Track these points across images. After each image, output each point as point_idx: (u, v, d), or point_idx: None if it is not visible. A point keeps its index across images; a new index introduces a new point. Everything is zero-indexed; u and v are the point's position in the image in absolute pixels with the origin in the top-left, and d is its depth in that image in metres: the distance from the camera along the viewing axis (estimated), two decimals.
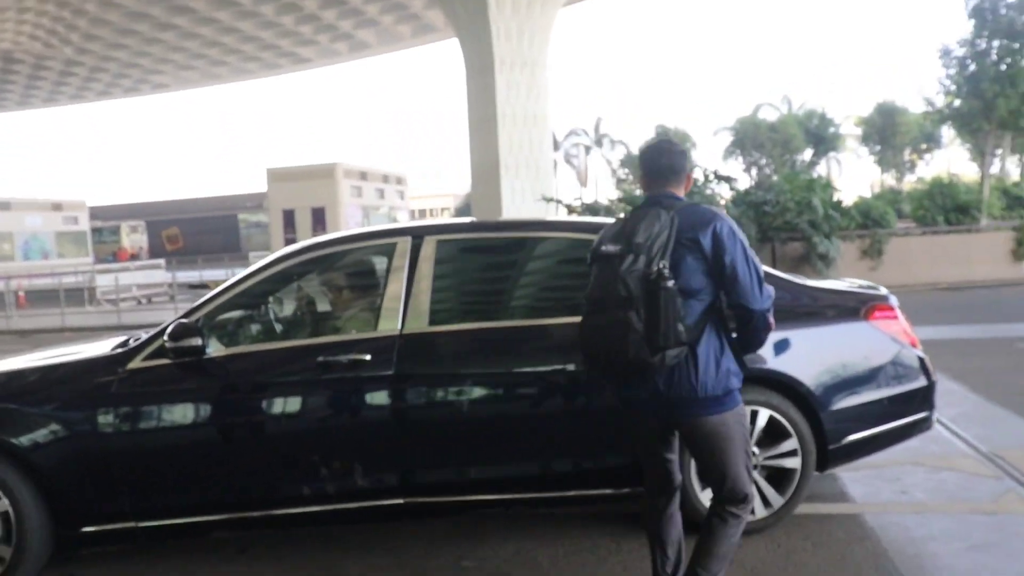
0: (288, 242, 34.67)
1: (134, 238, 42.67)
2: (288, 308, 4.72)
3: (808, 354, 4.16)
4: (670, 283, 2.82)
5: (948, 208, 19.19)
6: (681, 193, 3.17)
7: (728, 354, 3.02)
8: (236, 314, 4.28)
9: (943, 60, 21.96)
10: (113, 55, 42.06)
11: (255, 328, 4.44)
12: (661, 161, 3.16)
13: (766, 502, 4.10)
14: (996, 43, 20.93)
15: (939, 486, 4.81)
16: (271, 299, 4.49)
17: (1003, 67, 20.67)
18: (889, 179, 58.67)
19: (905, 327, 4.38)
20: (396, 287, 3.98)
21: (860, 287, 4.67)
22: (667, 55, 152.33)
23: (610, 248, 2.97)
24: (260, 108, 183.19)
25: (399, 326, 3.92)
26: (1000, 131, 22.84)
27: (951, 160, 60.39)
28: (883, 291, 4.55)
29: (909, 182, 53.00)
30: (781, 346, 4.10)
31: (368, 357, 3.83)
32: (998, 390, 7.11)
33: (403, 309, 3.94)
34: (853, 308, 4.33)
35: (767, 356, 4.05)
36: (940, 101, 22.70)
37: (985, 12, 20.88)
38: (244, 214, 47.64)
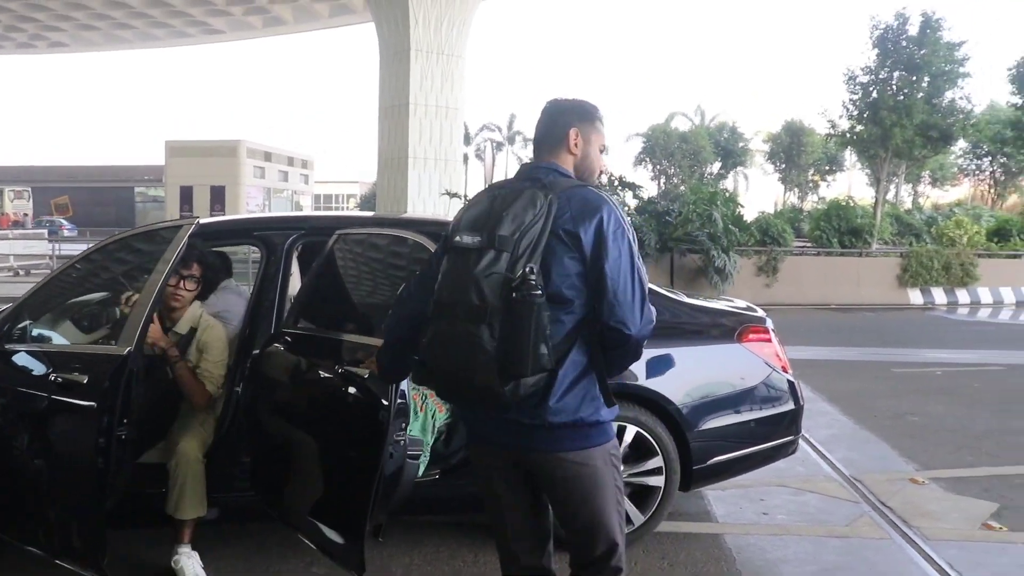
0: (184, 219, 33.30)
1: (19, 204, 40.41)
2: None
3: (679, 372, 4.10)
4: (538, 293, 2.17)
5: (843, 231, 19.83)
6: (566, 162, 2.46)
7: (596, 378, 2.38)
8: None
9: (848, 85, 22.69)
10: (5, 6, 39.73)
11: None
12: (541, 124, 2.51)
13: (627, 519, 4.02)
14: (896, 74, 21.73)
15: (800, 508, 4.83)
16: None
17: (901, 97, 21.47)
18: (793, 197, 60.52)
19: (778, 350, 4.36)
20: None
21: (736, 307, 4.64)
22: (586, 56, 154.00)
23: (466, 240, 2.30)
24: (166, 78, 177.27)
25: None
26: (895, 159, 23.71)
27: (852, 183, 62.81)
28: (759, 312, 4.52)
29: (811, 201, 54.81)
30: (653, 363, 4.03)
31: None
32: (869, 414, 7.30)
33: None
34: (728, 328, 4.28)
35: (638, 372, 3.98)
36: (843, 124, 23.43)
37: (888, 43, 21.65)
38: (141, 187, 45.77)
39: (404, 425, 2.85)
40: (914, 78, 21.37)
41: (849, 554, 4.14)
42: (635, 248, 2.33)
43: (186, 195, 28.48)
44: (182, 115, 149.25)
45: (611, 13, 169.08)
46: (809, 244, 21.12)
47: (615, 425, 3.40)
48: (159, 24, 42.85)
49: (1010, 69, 25.43)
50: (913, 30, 21.47)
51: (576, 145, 2.46)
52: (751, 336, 4.25)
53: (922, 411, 7.50)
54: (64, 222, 38.11)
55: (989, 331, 14.82)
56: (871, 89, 22.02)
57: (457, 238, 2.31)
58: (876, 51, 21.89)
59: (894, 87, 21.71)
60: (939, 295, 18.50)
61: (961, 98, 21.90)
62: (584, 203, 2.29)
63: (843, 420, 7.12)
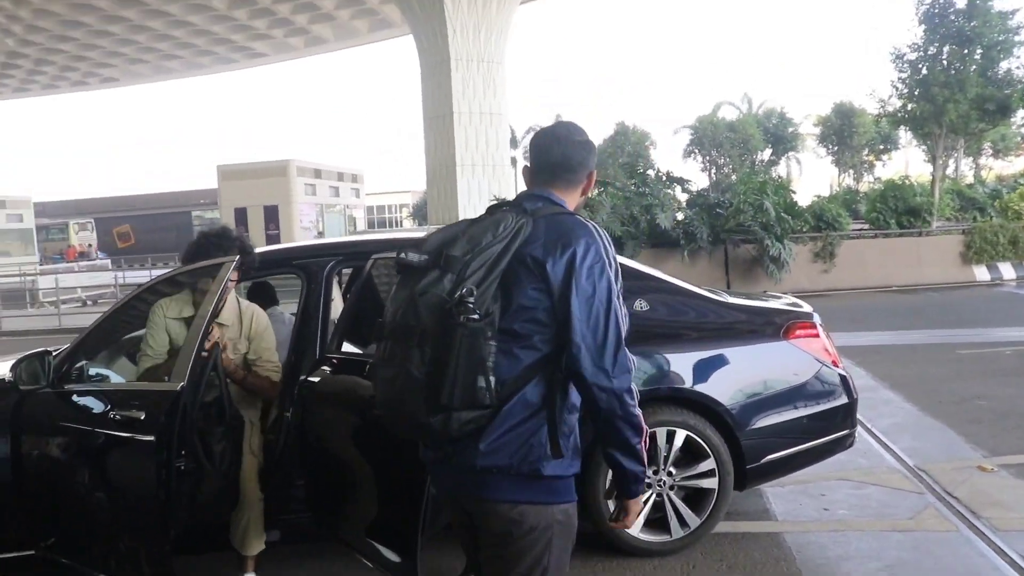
0: None
1: (83, 235, 41.64)
2: None
3: (726, 373, 4.08)
4: (474, 318, 1.96)
5: (900, 211, 19.32)
6: (571, 200, 2.27)
7: (558, 426, 2.09)
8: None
9: (896, 63, 22.13)
10: (59, 47, 40.98)
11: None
12: (553, 151, 2.26)
13: (683, 522, 4.00)
14: (946, 48, 21.12)
15: (862, 502, 4.73)
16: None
17: (952, 72, 20.86)
18: (848, 179, 59.30)
19: (826, 344, 4.27)
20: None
21: (782, 304, 4.57)
22: (628, 52, 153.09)
23: (411, 257, 2.11)
24: (214, 103, 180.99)
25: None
26: (951, 135, 23.06)
27: (908, 161, 61.31)
28: (806, 308, 4.45)
29: (867, 182, 53.63)
30: (699, 365, 4.04)
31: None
32: (934, 400, 7.11)
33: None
34: (773, 326, 4.22)
35: (685, 375, 3.97)
36: (893, 103, 22.85)
37: (935, 18, 21.06)
38: (198, 211, 46.78)
39: None
40: (965, 51, 20.70)
41: (914, 549, 4.04)
42: (615, 288, 2.10)
43: (240, 216, 28.99)
44: (232, 139, 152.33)
45: (652, 6, 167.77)
46: (867, 226, 20.65)
47: (665, 431, 3.56)
48: (204, 52, 43.87)
49: None
50: (961, 3, 20.85)
51: (588, 188, 2.33)
52: (798, 332, 4.18)
53: (990, 394, 7.26)
54: (98, 252, 39.77)
55: None
56: (920, 66, 21.42)
57: (403, 255, 2.13)
58: (923, 27, 21.30)
59: (944, 62, 21.09)
60: (1007, 270, 17.92)
61: (1018, 67, 21.18)
62: (560, 231, 2.09)
63: (906, 407, 6.94)
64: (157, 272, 26.12)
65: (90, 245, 41.84)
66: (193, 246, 3.84)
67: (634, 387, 2.09)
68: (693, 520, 3.99)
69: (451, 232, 2.15)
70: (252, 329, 3.87)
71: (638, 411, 2.09)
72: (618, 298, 2.10)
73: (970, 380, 7.88)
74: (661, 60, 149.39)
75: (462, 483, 2.15)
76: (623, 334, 2.09)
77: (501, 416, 2.03)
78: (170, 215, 46.51)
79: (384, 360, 2.12)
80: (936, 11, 21.01)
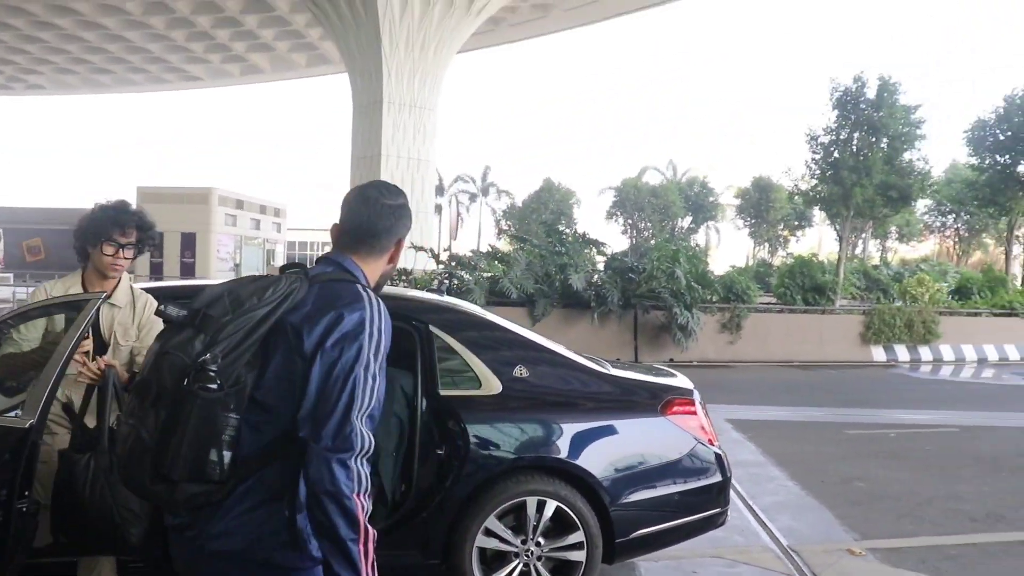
0: (154, 266, 33.53)
1: None
2: None
3: (601, 445, 4.10)
4: (212, 388, 1.81)
5: (807, 287, 19.98)
6: (373, 268, 2.13)
7: (296, 512, 1.89)
8: None
9: (810, 144, 23.12)
10: None
11: None
12: (359, 214, 2.11)
13: None
14: (856, 135, 22.20)
15: None
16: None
17: (861, 158, 21.90)
18: (763, 252, 61.22)
19: (703, 422, 4.35)
20: None
21: (663, 377, 4.64)
22: (562, 108, 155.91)
23: (171, 311, 1.95)
24: (139, 121, 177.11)
25: None
26: (857, 217, 24.10)
27: (822, 239, 63.76)
28: (685, 385, 4.53)
29: (781, 256, 55.45)
30: (574, 435, 4.05)
31: None
32: (817, 479, 7.28)
33: None
34: (652, 401, 4.28)
35: (559, 444, 3.99)
36: (805, 183, 23.82)
37: (847, 104, 22.16)
38: None
39: None
40: (873, 139, 21.87)
41: None
42: (368, 358, 1.90)
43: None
44: (156, 160, 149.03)
45: (586, 66, 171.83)
46: (775, 300, 21.29)
47: (536, 500, 3.56)
48: (137, 70, 43.13)
49: (966, 132, 26.05)
50: (871, 93, 22.00)
51: (395, 256, 2.19)
52: (675, 408, 4.25)
53: (871, 476, 7.49)
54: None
55: (947, 390, 14.92)
56: (832, 149, 22.49)
57: (162, 307, 1.97)
58: (836, 112, 22.39)
59: (854, 147, 22.17)
60: (902, 352, 18.63)
61: (919, 159, 22.40)
62: (329, 298, 1.95)
63: (789, 485, 7.10)
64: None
65: None
66: (87, 220, 3.51)
67: (358, 468, 1.84)
68: None
69: (219, 290, 1.98)
70: (144, 315, 3.60)
71: (354, 497, 1.82)
72: (367, 370, 1.90)
73: (853, 461, 8.11)
74: (594, 118, 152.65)
75: (193, 562, 1.96)
76: (361, 409, 1.87)
77: (237, 495, 1.88)
78: None
79: (125, 415, 1.96)
80: (848, 98, 22.11)
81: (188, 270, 29.24)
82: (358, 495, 1.82)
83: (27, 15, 34.36)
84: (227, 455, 1.83)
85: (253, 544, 1.88)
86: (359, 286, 2.01)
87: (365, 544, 1.83)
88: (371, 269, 2.13)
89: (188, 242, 28.55)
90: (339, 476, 1.80)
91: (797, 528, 5.81)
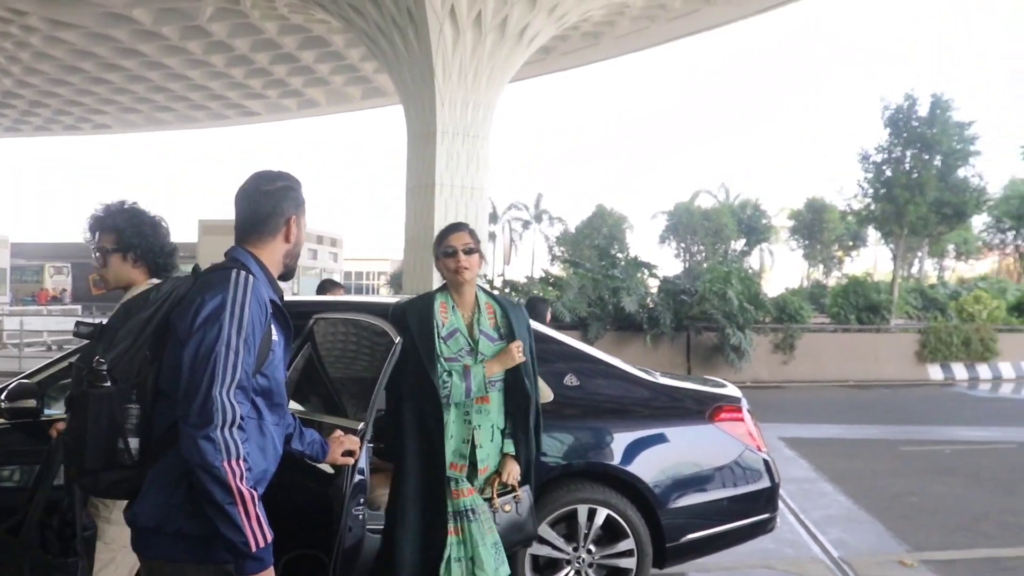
0: None
1: (58, 279, 41.53)
2: None
3: (650, 452, 4.29)
4: (104, 385, 2.04)
5: (861, 307, 19.88)
6: (272, 251, 2.31)
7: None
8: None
9: (862, 163, 23.00)
10: (55, 91, 41.49)
11: None
12: (241, 207, 2.32)
13: None
14: (908, 152, 22.03)
15: None
16: None
17: (914, 175, 21.72)
18: (817, 273, 60.46)
19: (751, 429, 4.53)
20: None
21: (712, 387, 4.83)
22: (614, 133, 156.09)
23: (82, 329, 2.29)
24: (201, 155, 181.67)
25: None
26: (912, 235, 23.84)
27: (877, 259, 62.75)
28: (733, 392, 4.71)
29: (835, 277, 54.73)
30: (625, 442, 4.24)
31: None
32: (870, 494, 7.36)
33: None
34: (700, 408, 4.48)
35: (610, 452, 4.18)
36: (858, 202, 23.68)
37: (899, 123, 22.02)
38: None
39: (362, 500, 2.90)
40: (926, 156, 21.67)
41: None
42: (229, 335, 2.04)
43: None
44: (217, 194, 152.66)
45: (637, 93, 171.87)
46: (829, 320, 21.13)
47: (587, 508, 3.74)
48: (198, 107, 44.49)
49: (1022, 146, 25.62)
50: (923, 110, 21.86)
51: (290, 234, 2.35)
52: (723, 416, 4.44)
53: (924, 491, 7.54)
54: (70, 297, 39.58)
55: (1006, 407, 14.71)
56: (884, 167, 22.32)
57: (76, 326, 2.26)
58: (888, 130, 22.26)
59: (907, 165, 22.00)
60: (959, 370, 18.39)
61: (973, 175, 22.13)
62: (195, 290, 2.13)
63: (841, 500, 7.19)
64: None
65: (64, 290, 41.66)
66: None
67: (225, 437, 1.98)
68: None
69: (119, 306, 2.27)
70: None
71: (223, 465, 1.96)
72: (228, 347, 2.04)
73: (907, 477, 8.15)
74: (645, 143, 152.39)
75: (135, 542, 2.16)
76: (221, 382, 2.01)
77: (152, 474, 2.08)
78: None
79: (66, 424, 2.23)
80: (900, 116, 21.98)
81: None
82: (227, 463, 1.95)
83: (95, 58, 35.85)
84: (133, 442, 2.06)
85: (166, 517, 2.06)
86: (232, 271, 2.15)
87: (244, 505, 1.97)
88: (267, 253, 2.30)
89: None
90: (206, 449, 1.95)
91: (848, 540, 5.92)
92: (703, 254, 51.80)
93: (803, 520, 6.38)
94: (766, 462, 4.54)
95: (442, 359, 3.09)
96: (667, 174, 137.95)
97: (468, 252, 3.16)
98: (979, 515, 6.72)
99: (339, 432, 2.74)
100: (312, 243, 33.39)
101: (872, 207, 23.10)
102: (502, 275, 18.53)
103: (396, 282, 52.02)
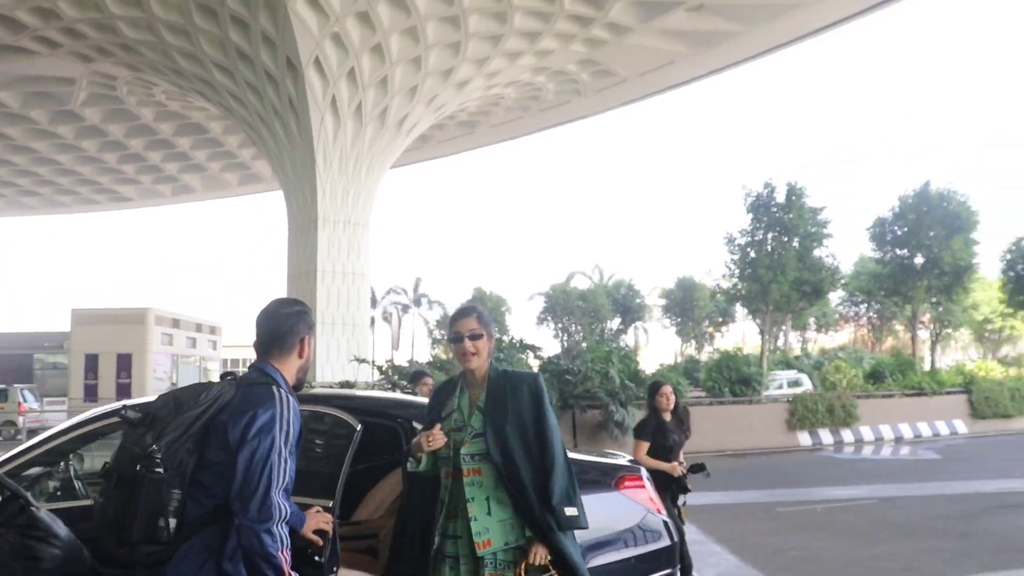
0: (88, 388, 33.05)
1: None
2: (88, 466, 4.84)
3: None
4: (158, 471, 2.42)
5: (733, 380, 21.05)
6: (289, 365, 2.76)
7: (222, 563, 2.48)
8: (38, 470, 4.40)
9: (728, 246, 24.68)
10: None
11: (61, 484, 4.53)
12: (264, 326, 2.77)
13: None
14: (770, 235, 23.88)
15: None
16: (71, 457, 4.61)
17: (775, 256, 23.50)
18: (690, 349, 62.87)
19: (651, 495, 5.05)
20: None
21: (614, 460, 5.37)
22: (489, 217, 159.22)
23: (130, 414, 2.60)
24: (69, 242, 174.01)
25: None
26: (776, 311, 25.55)
27: (745, 333, 65.95)
28: (634, 464, 5.25)
29: (707, 352, 57.11)
30: None
31: None
32: (754, 551, 8.03)
33: None
34: (607, 478, 4.98)
35: None
36: (726, 282, 25.30)
37: (760, 208, 23.90)
38: (40, 354, 44.71)
39: (335, 569, 3.09)
40: (785, 239, 23.53)
41: None
42: (280, 446, 2.49)
43: (91, 362, 28.21)
44: (84, 281, 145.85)
45: (511, 178, 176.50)
46: (704, 394, 22.26)
47: None
48: (66, 191, 43.11)
49: (868, 228, 28.11)
50: (780, 197, 23.82)
51: (303, 351, 2.80)
52: (627, 484, 4.94)
53: (801, 545, 8.27)
54: None
55: (867, 467, 15.92)
56: (748, 249, 24.09)
57: (123, 411, 2.62)
58: (750, 215, 24.11)
59: (769, 247, 23.81)
60: (825, 436, 19.67)
61: (827, 255, 24.15)
62: (248, 399, 2.55)
63: (729, 558, 7.82)
64: None
65: None
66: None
67: (280, 532, 2.47)
68: None
69: (167, 396, 2.66)
70: None
71: (279, 554, 2.45)
72: (280, 456, 2.50)
73: (785, 534, 8.90)
74: (520, 227, 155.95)
75: None
76: (276, 485, 2.47)
77: (181, 552, 2.49)
78: (10, 356, 44.09)
79: (98, 496, 2.63)
80: (760, 203, 23.87)
81: (124, 391, 29.13)
82: (281, 552, 2.46)
83: None
84: (172, 522, 2.45)
85: None
86: (273, 387, 2.60)
87: None
88: (286, 367, 2.76)
89: (124, 363, 28.52)
90: (266, 541, 2.42)
91: None
92: (580, 334, 53.13)
93: None
94: (665, 523, 5.03)
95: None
96: (542, 256, 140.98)
97: (474, 337, 3.29)
98: (849, 562, 7.47)
99: (315, 508, 3.02)
100: (191, 331, 32.66)
101: (739, 286, 24.74)
102: (390, 360, 18.65)
103: None
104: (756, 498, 11.76)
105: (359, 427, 3.43)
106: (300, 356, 2.79)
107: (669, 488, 6.48)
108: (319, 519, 2.95)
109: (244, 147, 35.53)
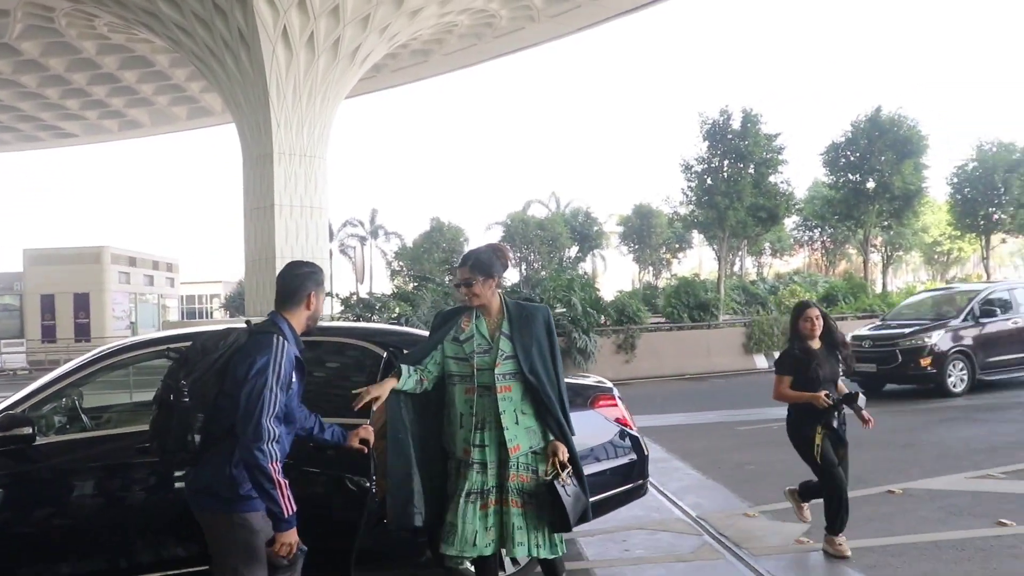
0: (46, 328, 32.66)
1: None
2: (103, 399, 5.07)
3: None
4: (185, 400, 3.10)
5: (692, 306, 21.49)
6: (299, 315, 3.39)
7: (234, 465, 3.15)
8: (56, 404, 4.52)
9: (684, 173, 24.93)
10: None
11: (78, 417, 4.65)
12: (279, 284, 3.42)
13: (503, 566, 4.80)
14: (726, 162, 24.16)
15: (655, 544, 5.80)
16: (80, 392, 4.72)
17: (731, 183, 23.82)
18: (648, 275, 63.67)
19: (623, 412, 5.34)
20: None
21: (589, 381, 5.64)
22: (445, 148, 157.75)
23: (171, 355, 3.45)
24: (14, 181, 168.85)
25: None
26: (733, 238, 25.99)
27: (702, 259, 66.96)
28: (607, 384, 5.52)
29: (665, 278, 57.90)
30: None
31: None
32: (715, 466, 8.43)
33: None
34: (582, 397, 5.24)
35: None
36: (684, 208, 25.61)
37: (716, 135, 24.11)
38: None
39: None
40: (741, 165, 23.83)
41: (693, 573, 5.13)
42: (272, 384, 3.13)
43: (48, 303, 27.79)
44: (35, 221, 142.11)
45: (466, 107, 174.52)
46: (663, 320, 22.74)
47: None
48: (7, 128, 41.86)
49: (821, 154, 28.51)
50: (736, 124, 24.03)
51: (310, 304, 3.42)
52: (601, 402, 5.23)
53: (759, 460, 8.68)
54: None
55: None
56: (705, 176, 24.36)
57: (168, 351, 3.59)
58: (707, 143, 24.32)
59: (725, 174, 24.10)
60: None
61: (782, 182, 24.53)
62: (252, 345, 3.21)
63: (692, 473, 8.20)
64: None
65: None
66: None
67: (269, 449, 3.08)
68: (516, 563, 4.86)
69: (196, 344, 3.27)
70: None
71: (269, 465, 3.07)
72: (271, 392, 3.13)
73: (744, 450, 9.32)
74: (476, 156, 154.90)
75: (190, 498, 3.30)
76: (267, 414, 3.10)
77: (206, 458, 3.20)
78: None
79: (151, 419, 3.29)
80: (716, 130, 24.08)
81: (83, 331, 28.81)
82: (270, 464, 3.08)
83: None
84: (196, 437, 3.13)
85: (210, 483, 3.20)
86: (275, 335, 3.23)
87: (279, 489, 3.09)
88: (296, 317, 3.41)
89: (82, 302, 28.16)
90: (258, 456, 3.07)
91: (702, 503, 6.90)
92: (540, 263, 53.46)
93: (663, 491, 7.30)
94: (636, 438, 5.35)
95: (448, 355, 3.83)
96: (499, 186, 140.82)
97: (467, 284, 3.82)
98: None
99: (364, 425, 3.68)
100: (148, 269, 32.26)
101: (696, 212, 25.07)
102: (355, 293, 18.77)
103: (232, 304, 50.61)
104: (716, 418, 12.21)
105: (384, 355, 4.21)
106: (308, 308, 3.42)
107: (816, 420, 5.92)
108: (362, 432, 3.64)
109: (192, 80, 34.71)
